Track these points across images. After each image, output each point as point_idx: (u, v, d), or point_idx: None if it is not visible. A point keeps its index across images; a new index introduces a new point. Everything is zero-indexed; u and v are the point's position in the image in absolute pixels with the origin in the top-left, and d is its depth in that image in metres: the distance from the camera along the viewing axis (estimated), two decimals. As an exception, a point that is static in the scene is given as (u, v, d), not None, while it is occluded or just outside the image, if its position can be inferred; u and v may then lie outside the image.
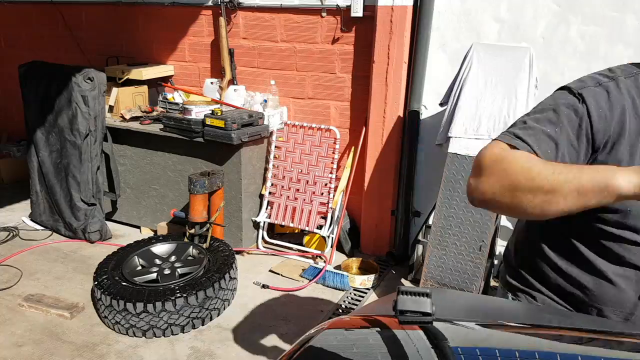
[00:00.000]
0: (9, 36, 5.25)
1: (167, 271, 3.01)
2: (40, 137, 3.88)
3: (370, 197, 3.70)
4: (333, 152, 3.67)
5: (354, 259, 3.66)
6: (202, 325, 2.92)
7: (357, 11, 3.41)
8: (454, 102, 2.88)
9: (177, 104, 3.95)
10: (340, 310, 3.14)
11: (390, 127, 3.48)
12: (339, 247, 3.80)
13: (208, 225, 3.39)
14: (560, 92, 1.20)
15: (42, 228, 4.09)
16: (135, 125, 3.82)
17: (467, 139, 2.78)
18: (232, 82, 4.00)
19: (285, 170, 3.78)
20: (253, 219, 3.79)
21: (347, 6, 3.46)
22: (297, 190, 3.75)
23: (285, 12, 3.70)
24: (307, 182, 3.73)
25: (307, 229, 3.69)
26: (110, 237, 3.96)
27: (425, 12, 3.20)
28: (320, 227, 3.67)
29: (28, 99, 3.91)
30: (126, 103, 4.04)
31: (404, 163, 3.52)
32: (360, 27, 3.49)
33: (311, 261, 3.65)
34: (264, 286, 3.33)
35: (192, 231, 3.37)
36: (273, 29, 3.79)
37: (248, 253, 3.78)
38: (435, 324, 1.14)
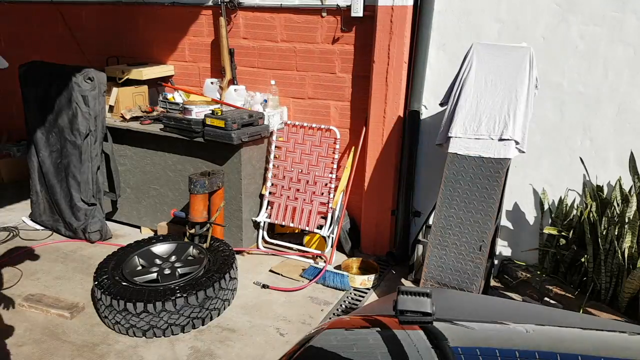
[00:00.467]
0: (9, 36, 5.25)
1: (167, 271, 3.01)
2: (40, 137, 3.88)
3: (370, 197, 3.70)
4: (333, 152, 3.67)
5: (354, 259, 3.66)
6: (202, 325, 2.92)
7: (357, 11, 3.41)
8: (454, 102, 2.87)
9: (177, 104, 3.95)
10: (340, 310, 3.14)
11: (391, 127, 3.48)
12: (339, 247, 3.80)
13: (208, 225, 3.39)
14: None
15: (42, 228, 4.09)
16: (135, 125, 3.82)
17: (467, 138, 2.78)
18: (232, 82, 4.00)
19: (285, 170, 3.78)
20: (253, 219, 3.79)
21: (347, 6, 3.46)
22: (297, 190, 3.75)
23: (286, 12, 3.70)
24: (307, 182, 3.73)
25: (307, 229, 3.69)
26: (111, 237, 3.96)
27: (425, 12, 3.20)
28: (320, 227, 3.67)
29: (28, 98, 3.91)
30: (126, 103, 4.04)
31: (404, 163, 3.52)
32: (361, 27, 3.49)
33: (311, 261, 3.65)
34: (264, 286, 3.33)
35: (192, 231, 3.37)
36: (273, 28, 3.79)
37: (248, 253, 3.78)
38: (435, 324, 1.14)
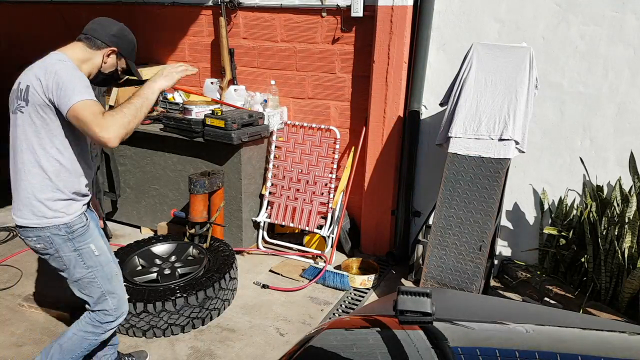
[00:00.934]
0: (9, 36, 5.25)
1: (167, 271, 3.01)
2: (40, 137, 3.87)
3: (370, 197, 3.70)
4: (333, 152, 3.67)
5: (354, 259, 3.66)
6: (202, 325, 2.92)
7: (357, 11, 3.40)
8: (454, 102, 2.87)
9: (177, 104, 3.95)
10: (340, 310, 3.14)
11: (391, 127, 3.48)
12: (339, 247, 3.80)
13: (208, 225, 3.39)
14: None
15: (42, 228, 4.09)
16: (135, 125, 3.82)
17: (467, 139, 2.78)
18: (232, 82, 3.99)
19: (285, 170, 3.78)
20: (253, 219, 3.79)
21: (347, 6, 3.46)
22: (297, 190, 3.75)
23: (286, 12, 3.70)
24: (307, 182, 3.73)
25: (307, 229, 3.69)
26: (111, 237, 3.96)
27: (425, 12, 3.20)
28: (320, 227, 3.67)
29: (28, 99, 3.91)
30: (126, 103, 4.03)
31: (404, 163, 3.52)
32: (360, 27, 3.49)
33: (311, 261, 3.65)
34: (264, 286, 3.33)
35: (192, 231, 3.36)
36: (273, 29, 3.79)
37: (248, 253, 3.78)
38: (435, 324, 1.14)
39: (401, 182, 3.58)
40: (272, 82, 3.84)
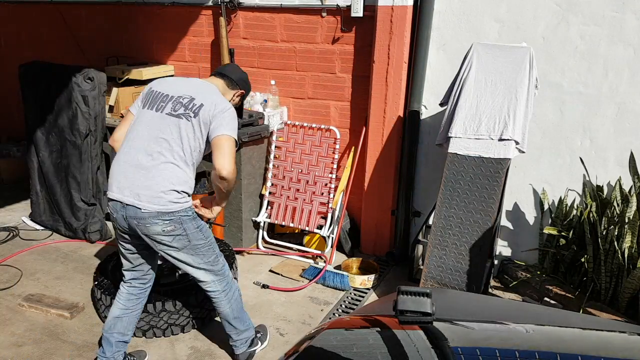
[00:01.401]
0: (9, 36, 5.25)
1: (167, 271, 3.01)
2: (40, 137, 3.88)
3: (370, 197, 3.70)
4: (333, 152, 3.67)
5: (354, 259, 3.66)
6: (202, 325, 2.92)
7: (357, 11, 3.40)
8: (454, 102, 2.87)
9: (177, 104, 3.94)
10: (340, 310, 3.14)
11: (390, 127, 3.48)
12: (339, 247, 3.80)
13: (208, 225, 3.38)
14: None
15: (42, 228, 4.09)
16: (135, 125, 3.82)
17: (467, 138, 2.78)
18: (232, 82, 3.99)
19: (285, 170, 3.78)
20: (253, 219, 3.79)
21: (347, 6, 3.46)
22: (297, 190, 3.75)
23: (286, 12, 3.70)
24: (307, 182, 3.73)
25: (307, 229, 3.69)
26: (111, 237, 3.96)
27: (425, 12, 3.20)
28: (320, 227, 3.67)
29: (28, 99, 3.91)
30: (126, 103, 4.04)
31: (404, 163, 3.52)
32: (360, 27, 3.49)
33: (311, 261, 3.65)
34: (264, 286, 3.33)
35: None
36: (273, 29, 3.79)
37: (248, 253, 3.78)
38: (435, 324, 1.14)
39: (401, 182, 3.58)
40: (272, 82, 3.84)
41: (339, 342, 1.13)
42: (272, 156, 3.81)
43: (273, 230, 4.01)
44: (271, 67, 3.89)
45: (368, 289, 3.37)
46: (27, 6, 4.95)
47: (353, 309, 3.19)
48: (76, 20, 4.69)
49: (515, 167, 3.23)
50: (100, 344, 2.54)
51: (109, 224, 4.02)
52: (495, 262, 3.38)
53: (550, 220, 3.23)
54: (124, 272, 2.48)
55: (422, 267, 3.26)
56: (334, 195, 3.66)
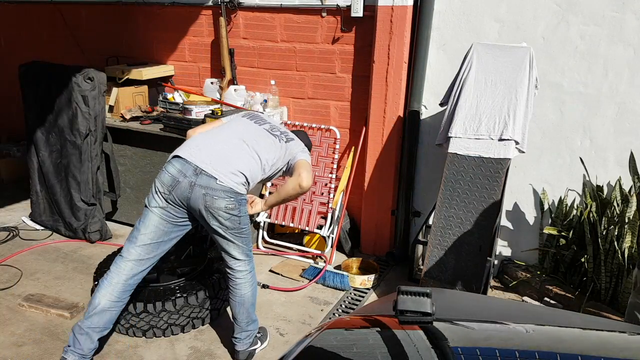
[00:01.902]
0: (9, 36, 5.25)
1: (167, 271, 3.01)
2: (40, 137, 3.88)
3: (370, 197, 3.70)
4: (333, 152, 3.67)
5: (354, 259, 3.66)
6: (202, 325, 2.92)
7: (357, 11, 3.41)
8: (454, 102, 2.87)
9: (177, 104, 3.94)
10: (340, 310, 3.14)
11: (390, 127, 3.48)
12: (339, 247, 3.80)
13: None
14: None
15: (42, 228, 4.09)
16: (135, 125, 3.82)
17: (467, 139, 2.78)
18: (232, 82, 3.99)
19: (285, 170, 3.78)
20: (253, 219, 3.79)
21: (347, 6, 3.46)
22: (297, 190, 3.74)
23: (285, 12, 3.70)
24: (307, 182, 3.72)
25: (307, 229, 3.69)
26: (111, 237, 3.96)
27: (425, 12, 3.20)
28: (320, 227, 3.67)
29: (28, 98, 3.91)
30: (126, 103, 4.04)
31: (404, 163, 3.52)
32: (360, 27, 3.49)
33: (311, 261, 3.65)
34: (264, 286, 3.33)
35: (192, 231, 3.35)
36: (273, 29, 3.79)
37: (248, 253, 3.78)
38: (435, 324, 1.14)
39: (401, 182, 3.58)
40: (272, 82, 3.84)
41: (339, 342, 1.13)
42: (272, 156, 3.81)
43: (273, 230, 4.01)
44: (271, 67, 3.89)
45: (368, 289, 3.37)
46: (27, 6, 4.95)
47: (353, 309, 3.19)
48: (76, 20, 4.68)
49: (515, 167, 3.23)
50: (72, 340, 2.44)
51: (109, 224, 4.03)
52: (495, 262, 3.38)
53: (550, 220, 3.23)
54: (126, 263, 2.48)
55: (422, 267, 3.26)
56: (334, 195, 3.66)
